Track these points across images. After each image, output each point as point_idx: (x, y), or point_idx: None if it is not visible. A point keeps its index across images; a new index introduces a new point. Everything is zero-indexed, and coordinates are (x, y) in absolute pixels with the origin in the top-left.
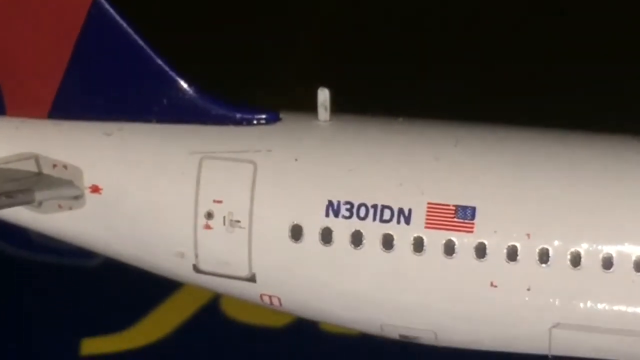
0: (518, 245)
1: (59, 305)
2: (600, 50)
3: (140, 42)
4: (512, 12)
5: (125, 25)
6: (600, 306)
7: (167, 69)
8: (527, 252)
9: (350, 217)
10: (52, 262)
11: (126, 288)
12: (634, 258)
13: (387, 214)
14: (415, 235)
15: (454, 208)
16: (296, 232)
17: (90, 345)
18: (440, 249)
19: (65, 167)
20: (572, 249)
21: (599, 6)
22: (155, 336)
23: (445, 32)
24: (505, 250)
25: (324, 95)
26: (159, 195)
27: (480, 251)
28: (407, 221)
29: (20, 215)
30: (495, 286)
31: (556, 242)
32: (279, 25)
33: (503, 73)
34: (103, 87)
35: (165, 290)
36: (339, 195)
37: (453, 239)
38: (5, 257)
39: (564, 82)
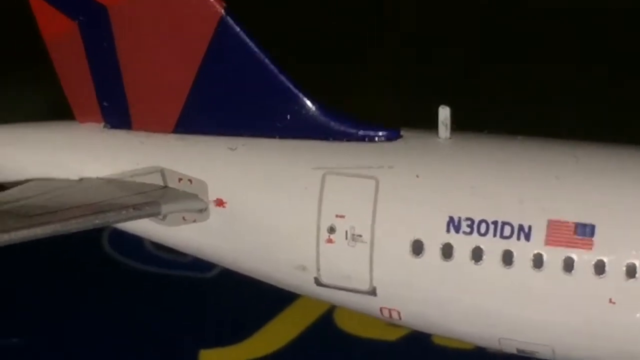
0: (637, 262)
1: (177, 317)
2: None
3: (265, 59)
4: None
5: (250, 42)
6: None
7: (290, 85)
8: None
9: (470, 233)
10: (171, 274)
11: (243, 300)
12: None
13: (507, 231)
14: (535, 251)
15: (573, 225)
16: (417, 247)
17: (209, 356)
18: (559, 265)
19: (190, 180)
20: None
21: None
22: (272, 348)
23: None
24: (624, 268)
25: (444, 113)
26: (282, 210)
27: (599, 268)
28: (527, 238)
29: (145, 227)
30: (614, 303)
31: None
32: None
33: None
34: (228, 103)
35: (280, 303)
36: (459, 212)
37: (572, 255)
38: (124, 270)
39: None
